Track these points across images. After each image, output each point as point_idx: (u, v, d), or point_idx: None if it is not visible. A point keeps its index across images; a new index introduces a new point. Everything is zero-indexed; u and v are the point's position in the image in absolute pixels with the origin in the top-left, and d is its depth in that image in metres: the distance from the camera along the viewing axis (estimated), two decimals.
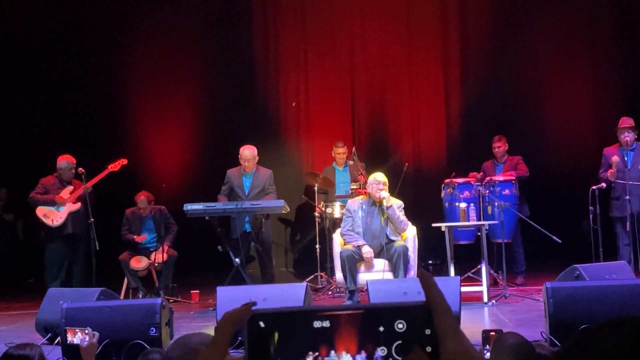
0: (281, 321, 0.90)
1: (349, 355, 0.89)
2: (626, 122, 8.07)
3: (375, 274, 7.30)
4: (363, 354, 0.89)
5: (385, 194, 7.48)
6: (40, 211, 8.28)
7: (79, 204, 8.32)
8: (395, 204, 7.55)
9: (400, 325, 0.89)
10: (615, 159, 7.99)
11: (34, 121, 11.03)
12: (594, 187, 7.95)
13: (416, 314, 0.90)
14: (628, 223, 7.78)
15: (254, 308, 0.91)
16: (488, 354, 4.11)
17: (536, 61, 11.20)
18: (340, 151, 9.51)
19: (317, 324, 0.90)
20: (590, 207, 7.90)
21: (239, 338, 3.80)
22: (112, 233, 8.88)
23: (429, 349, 0.89)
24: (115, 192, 9.27)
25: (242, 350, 0.91)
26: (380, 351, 0.89)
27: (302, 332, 0.90)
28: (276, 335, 0.89)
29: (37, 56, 11.14)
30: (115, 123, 11.29)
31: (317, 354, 0.89)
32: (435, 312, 0.89)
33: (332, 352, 0.89)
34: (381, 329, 0.89)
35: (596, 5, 11.11)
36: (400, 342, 0.89)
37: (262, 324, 0.90)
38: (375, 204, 7.54)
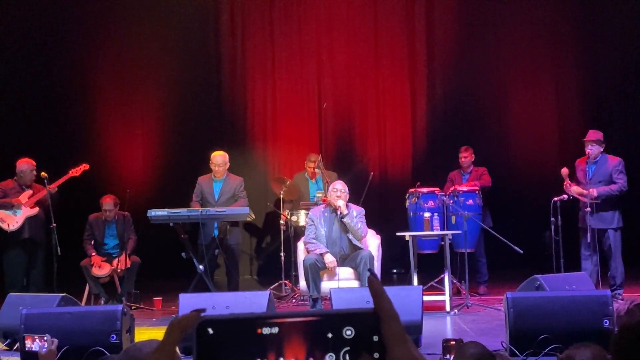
0: (230, 328, 0.90)
1: None
2: (592, 135, 8.14)
3: (340, 282, 7.32)
4: None
5: (341, 202, 7.53)
6: None
7: (36, 209, 8.21)
8: (356, 211, 7.59)
9: (349, 332, 0.90)
10: (563, 171, 8.06)
11: None
12: (555, 199, 8.04)
13: (364, 321, 0.90)
14: (588, 235, 7.86)
15: (203, 315, 0.91)
16: None
17: (501, 72, 11.32)
18: (310, 165, 9.50)
19: (265, 330, 0.90)
20: (552, 218, 7.99)
21: None
22: (74, 238, 8.77)
23: (376, 355, 0.89)
24: (78, 197, 9.17)
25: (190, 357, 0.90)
26: (329, 357, 0.90)
27: (250, 339, 0.90)
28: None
29: None
30: (79, 127, 11.13)
31: None
32: (383, 319, 0.89)
33: (281, 359, 0.89)
34: (329, 335, 0.90)
35: (560, 17, 11.26)
36: (348, 348, 0.90)
37: (210, 331, 0.90)
38: (335, 211, 7.59)
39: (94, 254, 8.65)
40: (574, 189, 7.98)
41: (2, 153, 9.60)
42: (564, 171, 8.06)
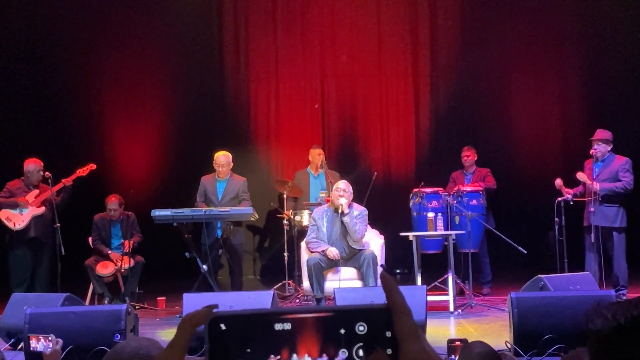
0: (242, 324, 0.90)
1: (310, 358, 0.89)
2: (598, 134, 8.13)
3: (343, 282, 7.31)
4: (325, 357, 0.89)
5: (343, 200, 7.51)
6: (3, 214, 8.17)
7: (43, 208, 8.23)
8: (357, 211, 7.58)
9: (361, 328, 0.89)
10: (580, 175, 8.04)
11: (0, 125, 10.86)
12: (559, 199, 8.03)
13: (377, 317, 0.90)
14: (592, 235, 7.85)
15: (215, 310, 0.91)
16: None
17: (505, 73, 11.32)
18: (317, 152, 9.44)
19: (278, 326, 0.89)
20: (556, 219, 7.98)
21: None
22: (78, 238, 8.78)
23: (389, 351, 0.89)
24: (82, 197, 9.17)
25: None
26: (342, 353, 0.89)
27: (263, 335, 0.89)
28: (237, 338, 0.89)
29: (5, 59, 10.99)
30: (83, 128, 11.15)
31: (278, 356, 0.89)
32: (395, 314, 0.89)
33: (294, 355, 0.89)
34: (342, 331, 0.89)
35: (563, 18, 11.25)
36: (361, 344, 0.89)
37: (223, 327, 0.89)
38: (337, 211, 7.58)
39: (110, 252, 8.67)
40: (580, 175, 8.00)
41: (9, 153, 9.63)
42: (558, 182, 8.08)
